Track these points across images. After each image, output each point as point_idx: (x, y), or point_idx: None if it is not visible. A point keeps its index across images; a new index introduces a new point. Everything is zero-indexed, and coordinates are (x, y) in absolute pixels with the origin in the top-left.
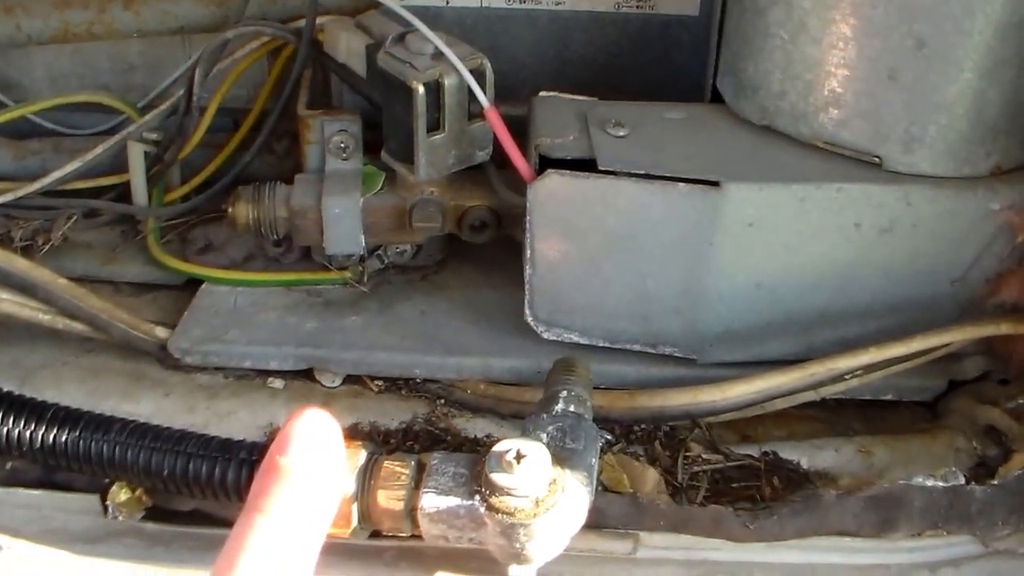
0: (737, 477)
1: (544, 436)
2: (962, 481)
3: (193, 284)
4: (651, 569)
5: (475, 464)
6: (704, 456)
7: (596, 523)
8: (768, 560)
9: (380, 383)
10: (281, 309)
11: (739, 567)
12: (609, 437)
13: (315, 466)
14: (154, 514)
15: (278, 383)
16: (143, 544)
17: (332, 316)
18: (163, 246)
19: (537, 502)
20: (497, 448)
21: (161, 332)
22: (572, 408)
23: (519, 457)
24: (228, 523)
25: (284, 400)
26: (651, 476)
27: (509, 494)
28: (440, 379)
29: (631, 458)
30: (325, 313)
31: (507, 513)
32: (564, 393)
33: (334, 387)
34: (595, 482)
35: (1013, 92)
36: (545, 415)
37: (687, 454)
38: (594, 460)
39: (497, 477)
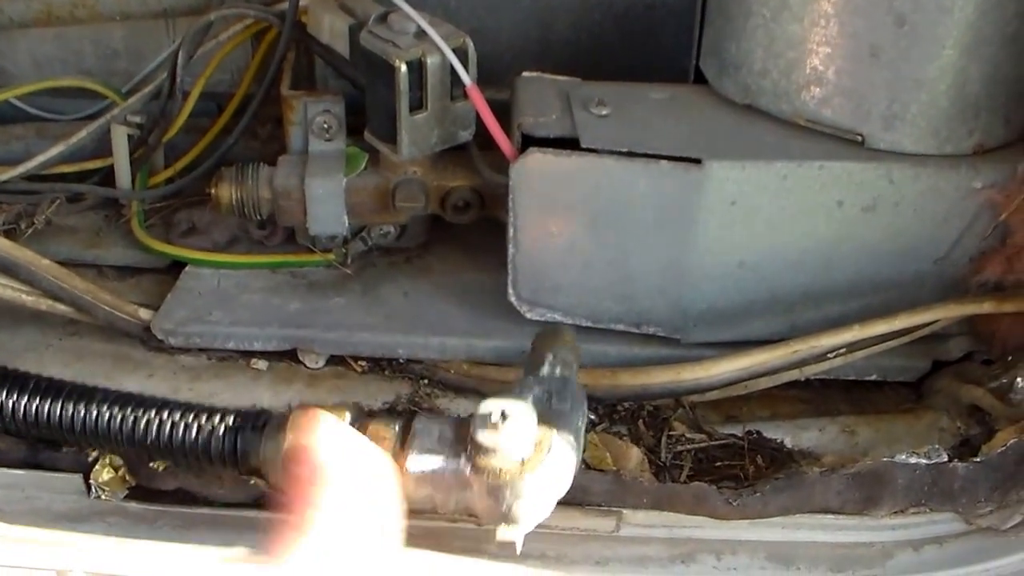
0: (721, 456)
1: (531, 397)
2: (945, 459)
3: (177, 267)
4: (634, 547)
5: (460, 426)
6: (688, 435)
7: (579, 500)
8: (751, 538)
9: (364, 364)
10: (265, 291)
11: (722, 545)
12: (593, 417)
13: (342, 470)
14: (137, 494)
15: (261, 364)
16: (126, 523)
17: (316, 297)
18: (147, 229)
19: (523, 462)
20: (482, 408)
21: (144, 314)
22: (559, 371)
23: (504, 417)
24: (211, 502)
25: (267, 381)
26: (634, 454)
27: (495, 454)
28: (423, 359)
29: (614, 437)
30: (309, 295)
31: (493, 473)
32: (551, 356)
33: (318, 368)
34: (582, 443)
35: (994, 69)
36: (532, 377)
37: (671, 433)
38: (581, 422)
39: (483, 437)
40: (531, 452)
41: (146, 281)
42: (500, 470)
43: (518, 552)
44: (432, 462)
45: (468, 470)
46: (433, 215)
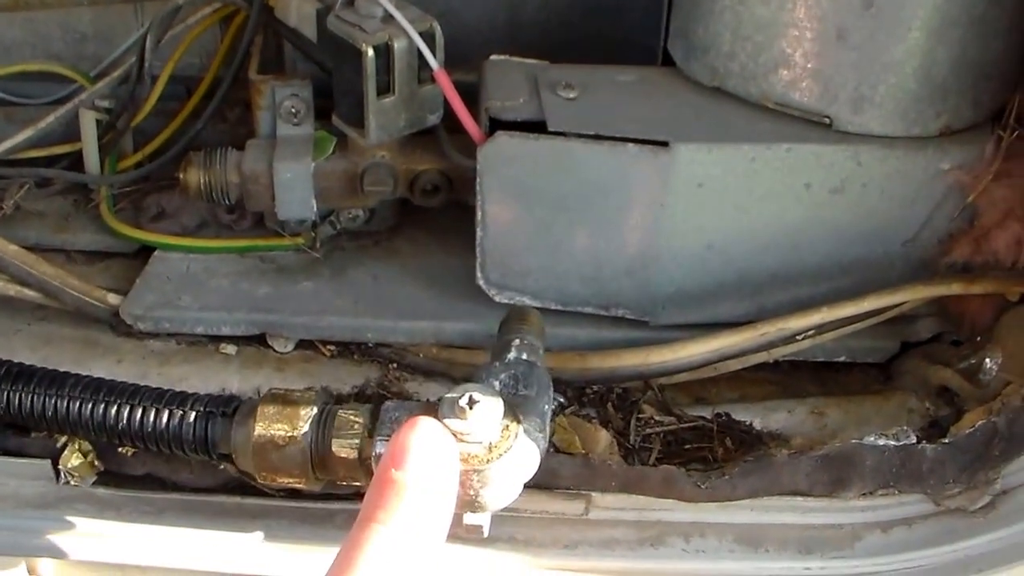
0: (690, 438)
1: (497, 384)
2: (913, 440)
3: (146, 252)
4: (603, 530)
5: (428, 411)
6: (657, 418)
7: (548, 484)
8: (720, 520)
9: (332, 348)
10: (234, 275)
11: (691, 527)
12: (562, 400)
13: (433, 480)
14: (106, 479)
15: (230, 349)
16: (94, 509)
17: (285, 282)
18: (116, 214)
19: (490, 447)
20: (450, 394)
21: (113, 299)
22: (525, 356)
23: (472, 403)
24: (180, 487)
25: (237, 366)
26: (603, 437)
27: (462, 440)
28: (392, 343)
29: (584, 420)
30: (278, 279)
31: (460, 460)
32: (517, 342)
33: (287, 352)
34: (549, 429)
35: (961, 51)
36: (498, 363)
37: (639, 416)
38: (547, 407)
39: (450, 423)
40: (498, 438)
41: (115, 266)
42: (468, 456)
43: (485, 535)
44: None
45: None
46: (402, 199)
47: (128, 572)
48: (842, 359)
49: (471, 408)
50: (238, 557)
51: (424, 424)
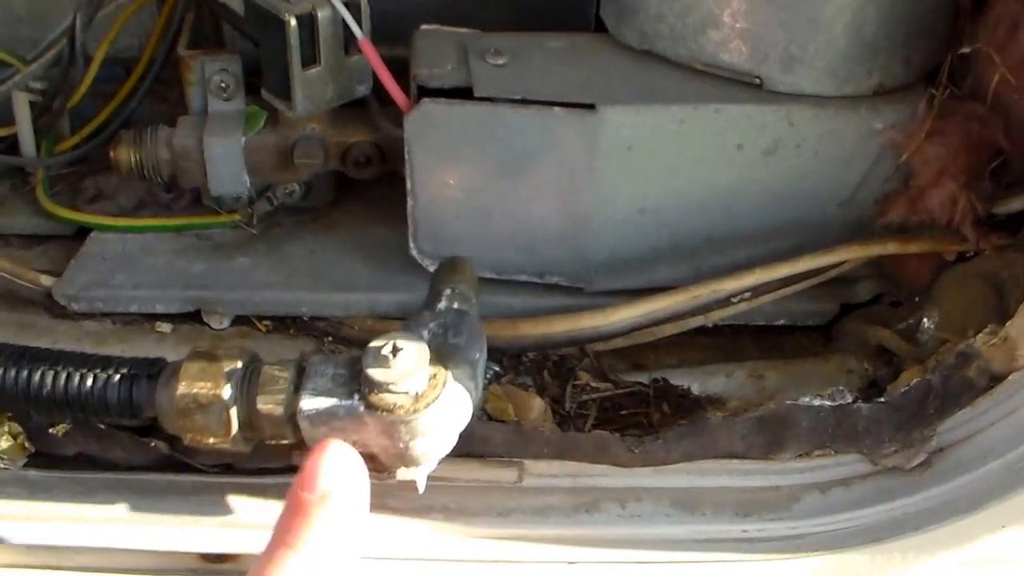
0: (627, 404)
1: (425, 333)
2: (849, 400)
3: (84, 234)
4: (538, 497)
5: (355, 364)
6: (593, 384)
7: (480, 452)
8: (656, 485)
9: (268, 323)
10: (170, 253)
11: (627, 493)
12: (497, 368)
13: (341, 501)
14: (37, 461)
15: (166, 327)
16: (25, 491)
17: (220, 258)
18: (54, 196)
19: (417, 397)
20: (373, 343)
21: (46, 280)
22: (456, 305)
23: (395, 351)
24: (112, 466)
25: (172, 343)
26: (536, 404)
27: (388, 390)
28: (327, 316)
29: (518, 388)
30: (214, 256)
31: (387, 410)
32: (448, 291)
33: (222, 329)
34: (481, 377)
35: (891, 9)
36: (427, 312)
37: (575, 383)
38: (479, 355)
39: (374, 373)
40: (425, 387)
41: (53, 249)
42: (394, 406)
43: (420, 491)
44: (326, 402)
45: (362, 407)
46: (339, 173)
47: (62, 554)
48: (782, 322)
49: (395, 356)
50: (172, 534)
51: (334, 446)
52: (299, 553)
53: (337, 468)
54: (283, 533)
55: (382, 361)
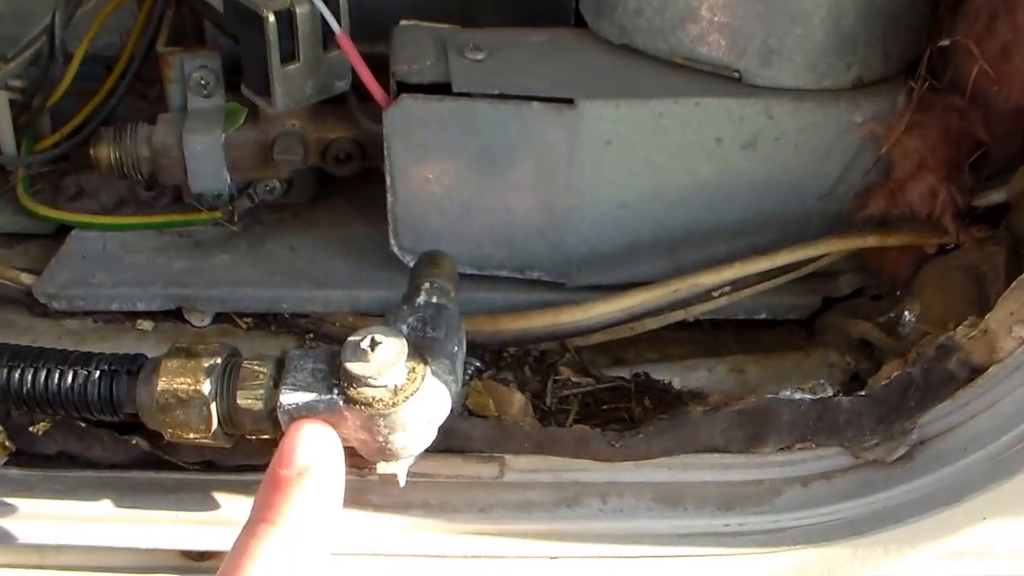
0: (608, 399)
1: (404, 327)
2: (830, 393)
3: (66, 232)
4: (519, 492)
5: (334, 358)
6: (574, 379)
7: (461, 447)
8: (638, 480)
9: (249, 320)
10: (151, 251)
11: (609, 487)
12: (478, 364)
13: (319, 477)
14: (18, 460)
15: (147, 325)
16: (6, 490)
17: (201, 256)
18: (34, 195)
19: (396, 390)
20: (352, 337)
21: (27, 278)
22: (435, 299)
23: (374, 344)
24: (93, 464)
25: (153, 341)
26: (517, 400)
27: (367, 384)
28: (308, 313)
29: (499, 383)
30: (195, 253)
31: (365, 404)
32: (427, 285)
33: (203, 326)
34: (460, 371)
35: (868, 2)
36: (406, 307)
37: (556, 378)
38: (457, 348)
39: (353, 367)
40: (404, 380)
41: (34, 248)
42: (372, 399)
43: (401, 484)
44: (305, 397)
45: (341, 401)
46: (320, 170)
47: (44, 552)
48: (763, 316)
49: (373, 350)
50: (154, 532)
51: (309, 424)
52: (279, 528)
53: (313, 445)
54: (262, 509)
55: (361, 355)
